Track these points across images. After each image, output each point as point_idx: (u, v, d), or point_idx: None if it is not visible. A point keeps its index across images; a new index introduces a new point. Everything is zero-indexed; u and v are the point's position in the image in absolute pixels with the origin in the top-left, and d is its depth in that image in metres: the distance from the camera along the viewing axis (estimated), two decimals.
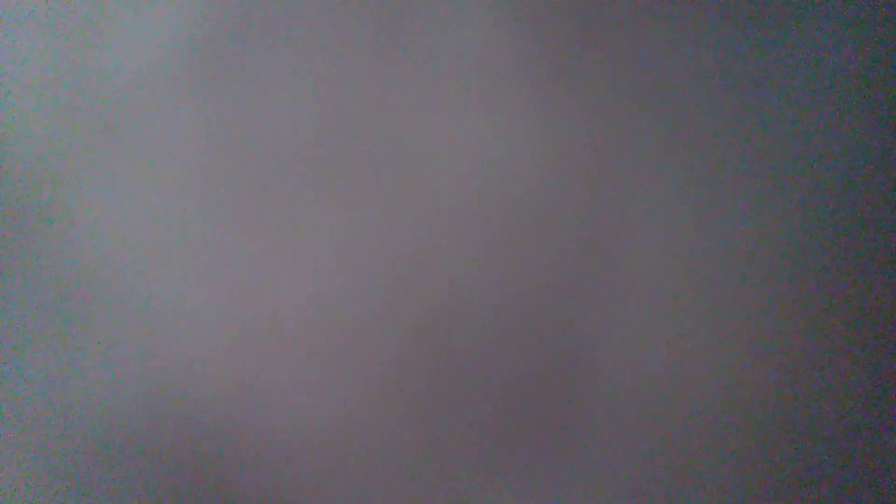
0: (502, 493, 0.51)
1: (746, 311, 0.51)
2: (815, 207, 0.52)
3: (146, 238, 0.51)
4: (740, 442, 0.51)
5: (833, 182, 0.52)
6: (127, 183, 0.52)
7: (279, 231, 0.51)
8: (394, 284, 0.51)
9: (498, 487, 0.51)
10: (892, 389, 0.51)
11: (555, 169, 0.52)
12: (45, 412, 0.51)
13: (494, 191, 0.51)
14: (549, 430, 0.51)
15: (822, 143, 0.52)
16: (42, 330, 0.51)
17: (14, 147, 0.52)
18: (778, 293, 0.51)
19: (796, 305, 0.51)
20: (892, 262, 0.52)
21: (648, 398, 0.51)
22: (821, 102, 0.52)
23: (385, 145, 0.51)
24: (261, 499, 0.51)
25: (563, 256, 0.51)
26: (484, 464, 0.51)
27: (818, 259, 0.52)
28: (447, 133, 0.51)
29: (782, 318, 0.51)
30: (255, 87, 0.51)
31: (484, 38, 0.52)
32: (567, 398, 0.51)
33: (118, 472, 0.51)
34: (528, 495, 0.51)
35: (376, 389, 0.51)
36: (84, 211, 0.52)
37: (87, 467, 0.51)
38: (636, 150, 0.52)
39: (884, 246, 0.52)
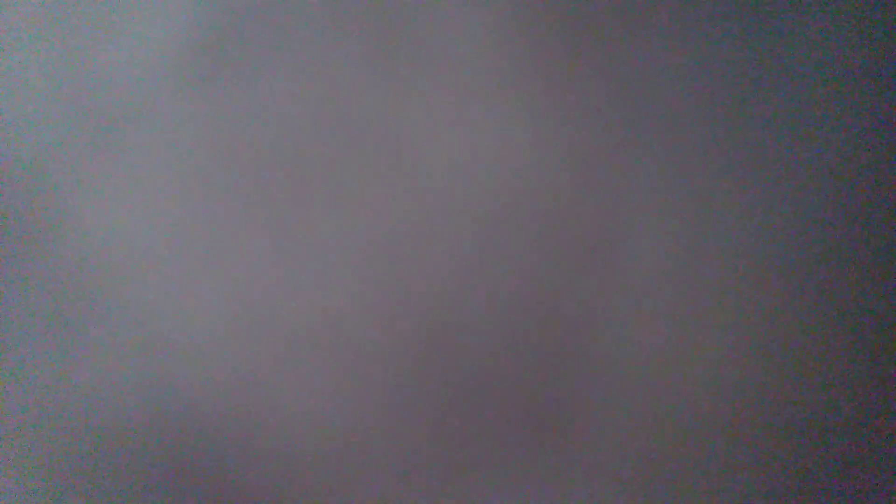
0: (506, 492, 0.51)
1: (745, 309, 0.51)
2: (814, 207, 0.52)
3: (147, 238, 0.51)
4: (740, 440, 0.51)
5: (833, 182, 0.52)
6: (127, 183, 0.52)
7: (280, 231, 0.51)
8: (393, 283, 0.51)
9: (501, 487, 0.51)
10: (893, 389, 0.51)
11: (553, 170, 0.52)
12: (45, 412, 0.51)
13: (492, 191, 0.51)
14: (551, 430, 0.51)
15: (822, 143, 0.52)
16: (43, 330, 0.51)
17: (14, 148, 0.52)
18: (777, 291, 0.51)
19: (795, 304, 0.51)
20: (893, 262, 0.52)
21: (650, 397, 0.51)
22: (820, 102, 0.52)
23: (385, 146, 0.51)
24: (261, 496, 0.51)
25: (563, 257, 0.51)
26: (487, 463, 0.51)
27: (818, 258, 0.52)
28: (445, 134, 0.51)
29: (781, 316, 0.51)
30: (256, 88, 0.51)
31: (483, 40, 0.52)
32: (569, 398, 0.51)
33: (119, 472, 0.51)
34: (531, 495, 0.51)
35: (379, 389, 0.51)
36: (85, 211, 0.52)
37: (87, 467, 0.51)
38: (634, 149, 0.52)
39: (884, 246, 0.52)
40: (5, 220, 0.52)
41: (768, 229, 0.52)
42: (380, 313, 0.51)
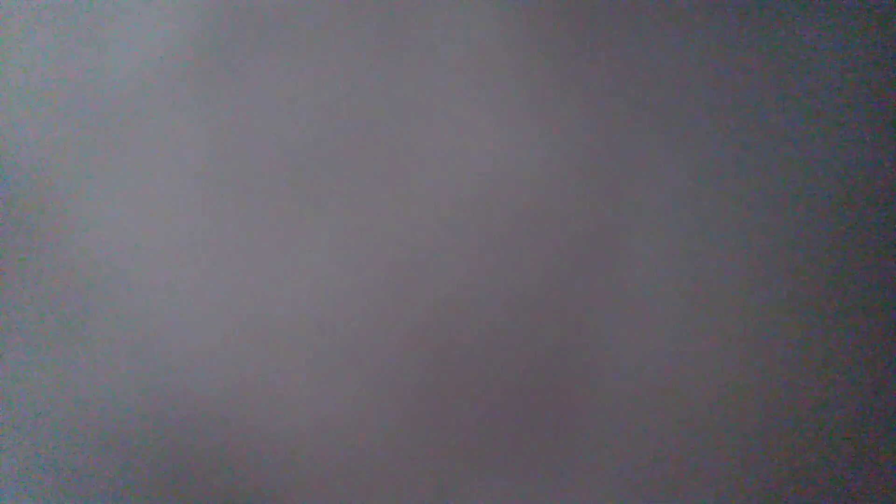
0: (502, 491, 0.51)
1: (746, 310, 0.51)
2: (815, 207, 0.52)
3: (147, 238, 0.51)
4: (740, 441, 0.51)
5: (833, 182, 0.52)
6: (127, 183, 0.52)
7: (279, 231, 0.51)
8: (393, 284, 0.51)
9: (497, 486, 0.51)
10: (893, 389, 0.51)
11: (555, 169, 0.52)
12: (45, 412, 0.51)
13: (494, 191, 0.51)
14: (548, 429, 0.51)
15: (822, 144, 0.52)
16: (42, 330, 0.51)
17: (14, 148, 0.52)
18: (777, 293, 0.51)
19: (796, 305, 0.51)
20: (893, 262, 0.52)
21: (648, 397, 0.51)
22: (821, 103, 0.52)
23: (385, 146, 0.51)
24: (261, 496, 0.51)
25: (563, 256, 0.51)
26: (483, 462, 0.51)
27: (818, 259, 0.52)
28: (447, 133, 0.51)
29: (782, 317, 0.51)
30: (256, 88, 0.51)
31: (485, 39, 0.52)
32: (567, 397, 0.51)
33: (119, 472, 0.51)
34: (527, 494, 0.51)
35: (376, 387, 0.51)
36: (84, 211, 0.52)
37: (87, 467, 0.51)
38: (636, 150, 0.52)
39: (884, 246, 0.52)
40: (5, 220, 0.52)
41: (776, 233, 0.52)
42: (381, 314, 0.51)
